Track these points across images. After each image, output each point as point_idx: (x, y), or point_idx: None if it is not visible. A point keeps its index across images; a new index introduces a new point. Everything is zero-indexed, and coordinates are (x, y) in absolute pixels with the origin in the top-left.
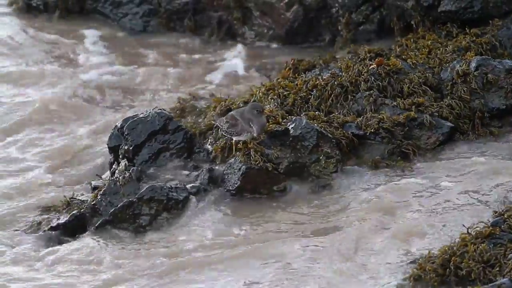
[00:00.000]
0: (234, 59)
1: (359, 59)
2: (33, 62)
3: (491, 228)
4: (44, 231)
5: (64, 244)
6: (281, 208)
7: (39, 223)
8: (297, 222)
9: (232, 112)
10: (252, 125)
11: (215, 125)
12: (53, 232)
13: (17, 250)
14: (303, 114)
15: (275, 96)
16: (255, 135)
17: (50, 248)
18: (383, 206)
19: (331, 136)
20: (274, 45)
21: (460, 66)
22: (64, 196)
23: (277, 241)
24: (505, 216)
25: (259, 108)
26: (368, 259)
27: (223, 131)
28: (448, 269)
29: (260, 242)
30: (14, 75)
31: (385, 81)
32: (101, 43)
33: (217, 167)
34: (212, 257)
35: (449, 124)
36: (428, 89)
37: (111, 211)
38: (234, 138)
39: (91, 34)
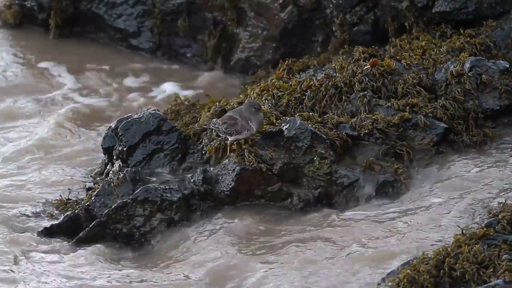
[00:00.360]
0: None
1: (353, 60)
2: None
3: (485, 229)
4: (38, 232)
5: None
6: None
7: (35, 223)
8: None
9: (228, 113)
10: (250, 123)
11: (209, 128)
12: (47, 233)
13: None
14: (297, 114)
15: (269, 97)
16: (254, 132)
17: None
18: None
19: (325, 137)
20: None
21: (454, 67)
22: (60, 196)
23: None
24: (499, 217)
25: (257, 105)
26: None
27: (221, 132)
28: (442, 270)
29: None
30: None
31: (379, 82)
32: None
33: (211, 168)
34: None
35: (443, 125)
36: (422, 90)
37: (105, 212)
38: (233, 138)
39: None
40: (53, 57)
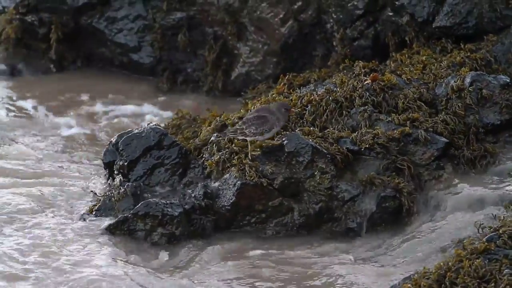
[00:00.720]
0: None
1: (354, 75)
2: None
3: (486, 243)
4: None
5: None
6: None
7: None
8: None
9: (252, 114)
10: (278, 122)
11: (228, 137)
12: None
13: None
14: (298, 129)
15: None
16: (279, 128)
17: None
18: None
19: (326, 151)
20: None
21: (454, 81)
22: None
23: None
24: (500, 231)
25: (287, 106)
26: None
27: (248, 135)
28: (443, 285)
29: None
30: None
31: (379, 97)
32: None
33: (212, 183)
34: None
35: (443, 139)
36: (422, 104)
37: (106, 227)
38: (258, 138)
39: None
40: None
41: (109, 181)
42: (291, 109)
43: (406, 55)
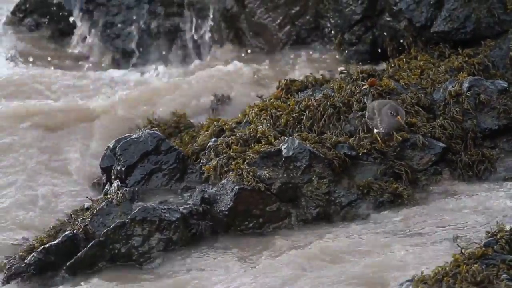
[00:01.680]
0: None
1: (352, 80)
2: None
3: (483, 248)
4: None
5: None
6: None
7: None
8: None
9: (376, 103)
10: (381, 124)
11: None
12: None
13: None
14: (296, 134)
15: (268, 117)
16: (383, 131)
17: None
18: None
19: (323, 156)
20: None
21: (452, 86)
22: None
23: None
24: (498, 236)
25: (394, 111)
26: None
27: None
28: None
29: None
30: None
31: None
32: None
33: (209, 188)
34: None
35: (441, 144)
36: (420, 109)
37: (104, 232)
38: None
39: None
40: None
41: (106, 186)
42: (398, 113)
43: (404, 60)
